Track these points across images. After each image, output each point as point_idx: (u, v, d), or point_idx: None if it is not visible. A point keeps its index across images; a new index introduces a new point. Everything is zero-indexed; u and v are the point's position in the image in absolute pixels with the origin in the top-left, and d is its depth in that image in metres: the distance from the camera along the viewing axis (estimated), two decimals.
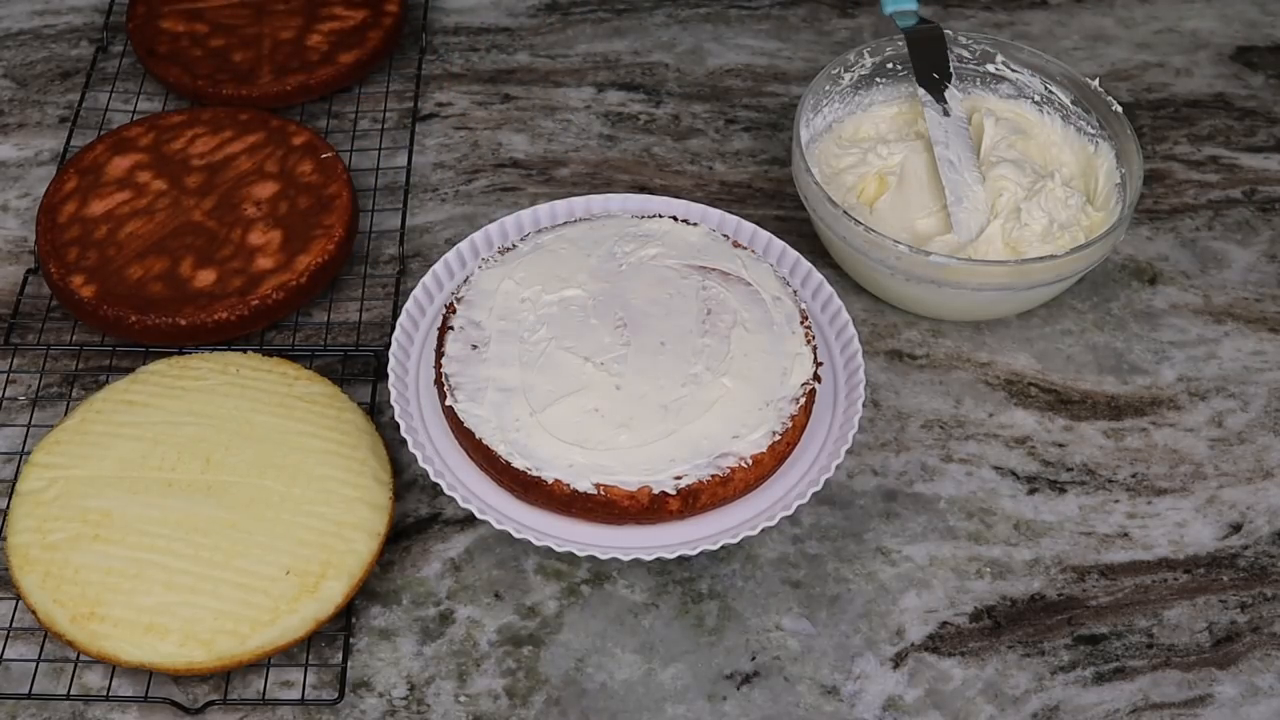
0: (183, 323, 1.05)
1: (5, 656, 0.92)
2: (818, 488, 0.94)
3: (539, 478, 0.92)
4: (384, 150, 1.23)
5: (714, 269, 1.03)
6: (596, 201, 1.09)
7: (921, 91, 1.18)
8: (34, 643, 0.93)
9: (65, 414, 1.03)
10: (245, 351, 1.05)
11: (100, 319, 1.06)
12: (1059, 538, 1.01)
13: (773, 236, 1.07)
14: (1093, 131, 1.18)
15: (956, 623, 0.96)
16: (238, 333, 1.07)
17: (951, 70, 1.19)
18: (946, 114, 1.16)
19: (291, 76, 1.24)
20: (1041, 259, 1.05)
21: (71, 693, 0.90)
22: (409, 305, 1.02)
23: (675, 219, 1.07)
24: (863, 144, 1.19)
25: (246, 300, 1.06)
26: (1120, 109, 1.15)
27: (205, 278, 1.07)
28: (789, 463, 0.96)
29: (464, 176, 1.23)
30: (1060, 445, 1.06)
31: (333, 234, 1.10)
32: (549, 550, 0.97)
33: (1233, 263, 1.19)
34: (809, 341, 0.99)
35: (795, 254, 1.06)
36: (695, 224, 1.06)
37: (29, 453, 0.99)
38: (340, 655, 0.93)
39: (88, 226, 1.10)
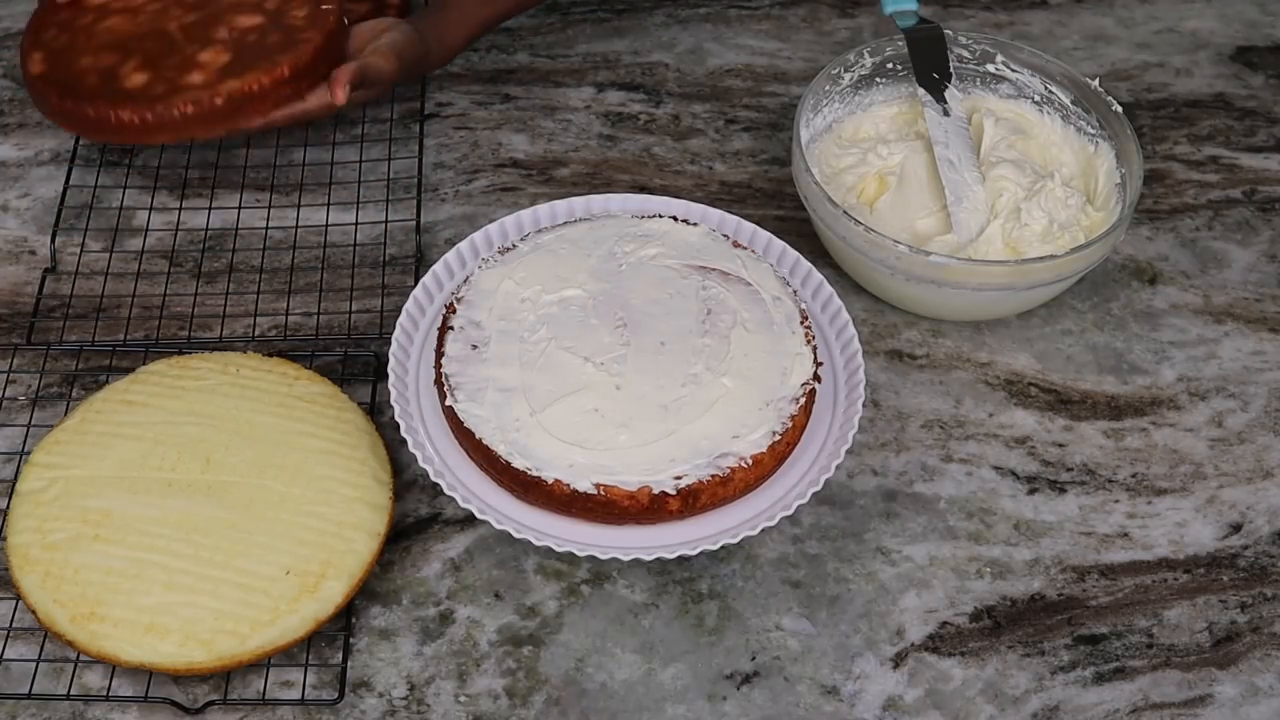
0: (90, 113, 1.06)
1: (5, 656, 0.92)
2: (818, 488, 0.94)
3: (539, 478, 0.92)
4: (393, 144, 1.23)
5: (714, 269, 1.03)
6: (596, 201, 1.09)
7: (921, 91, 1.18)
8: (34, 643, 0.93)
9: (65, 414, 1.03)
10: (245, 351, 1.05)
11: (35, 92, 1.10)
12: (1059, 538, 1.01)
13: (773, 236, 1.07)
14: (1093, 131, 1.18)
15: (956, 623, 0.96)
16: (140, 139, 1.08)
17: (951, 70, 1.19)
18: (946, 114, 1.16)
19: None
20: (1041, 259, 1.05)
21: (71, 693, 0.90)
22: (409, 305, 1.02)
23: (675, 219, 1.06)
24: (863, 144, 1.19)
25: (153, 106, 1.05)
26: (1120, 109, 1.15)
27: (137, 80, 1.07)
28: (789, 463, 0.96)
29: (464, 176, 1.23)
30: (1060, 445, 1.06)
31: (275, 70, 1.07)
32: (549, 550, 0.97)
33: (1233, 263, 1.19)
34: (809, 341, 0.99)
35: (795, 254, 1.06)
36: (695, 224, 1.06)
37: (29, 453, 0.99)
38: (340, 655, 0.93)
39: (78, 13, 1.12)
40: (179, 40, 1.10)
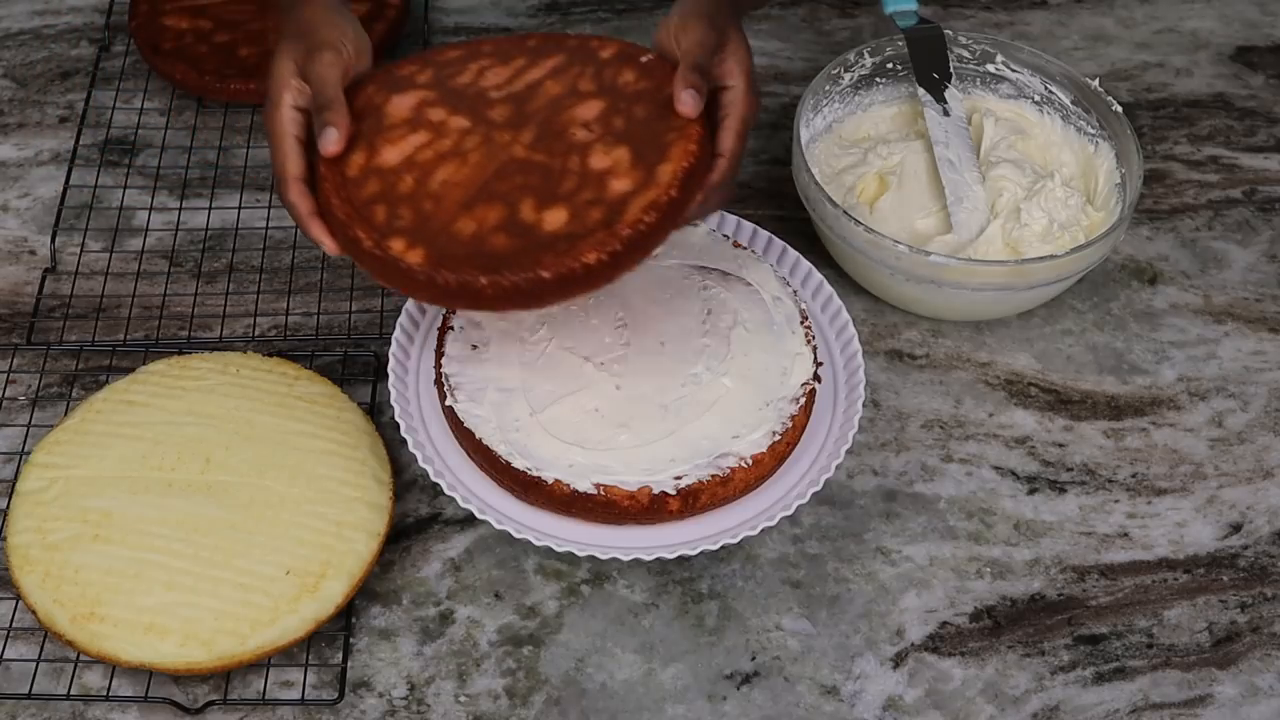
0: (546, 275, 0.85)
1: (5, 656, 0.92)
2: (818, 488, 0.94)
3: (539, 478, 0.92)
4: None
5: (714, 269, 1.03)
6: None
7: (921, 91, 1.17)
8: (34, 643, 0.93)
9: (65, 414, 1.03)
10: (245, 351, 1.05)
11: (436, 288, 0.87)
12: (1059, 538, 1.01)
13: (773, 236, 1.07)
14: (1093, 131, 1.18)
15: (956, 623, 0.96)
16: (610, 276, 0.87)
17: (951, 70, 1.19)
18: (946, 114, 1.16)
19: None
20: (1041, 259, 1.05)
21: (71, 693, 0.90)
22: (409, 305, 1.02)
23: None
24: (863, 144, 1.19)
25: (615, 232, 0.86)
26: (1120, 109, 1.15)
27: (555, 218, 0.87)
28: (789, 463, 0.96)
29: None
30: (1060, 445, 1.06)
31: (689, 133, 0.90)
32: (549, 550, 0.97)
33: (1233, 263, 1.19)
34: (809, 341, 0.99)
35: (795, 254, 1.06)
36: (695, 224, 1.06)
37: (29, 453, 0.99)
38: (340, 655, 0.93)
39: (388, 178, 0.91)
40: (547, 161, 0.91)
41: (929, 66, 1.19)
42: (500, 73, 0.96)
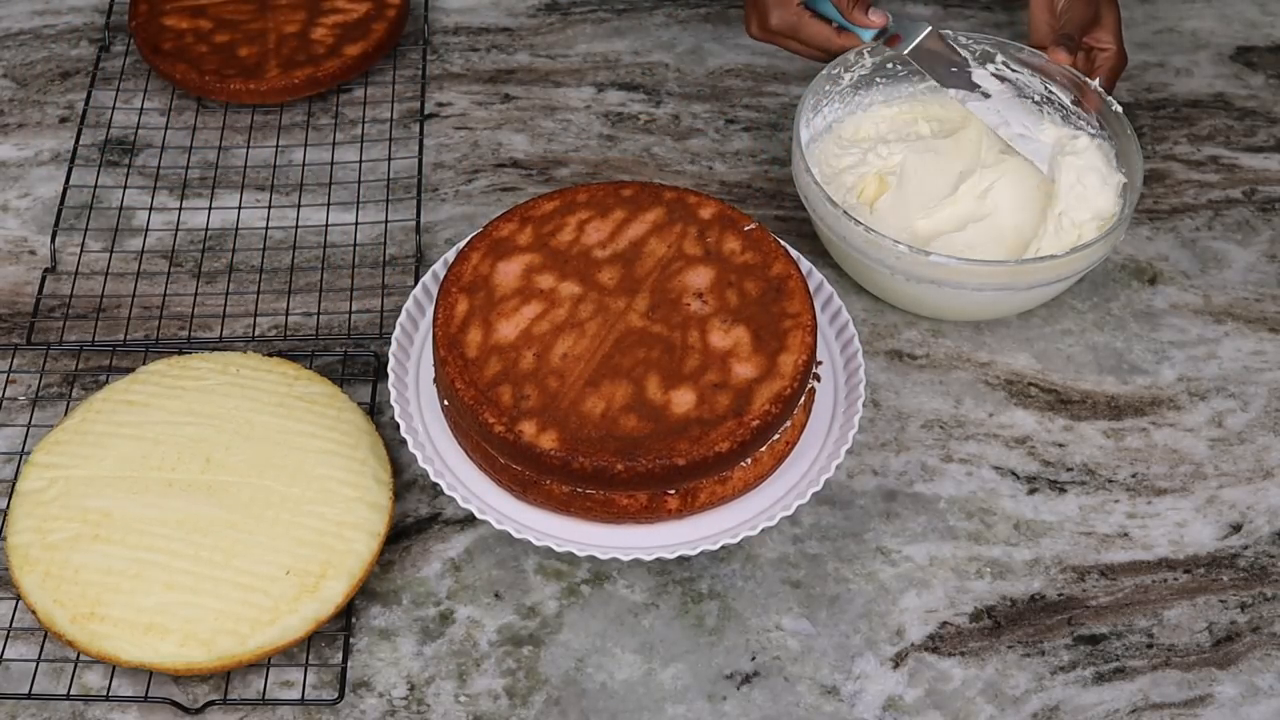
0: (681, 462, 0.88)
1: (5, 656, 0.92)
2: (818, 488, 0.94)
3: (538, 478, 0.92)
4: (393, 144, 1.23)
5: None
6: None
7: (954, 93, 1.17)
8: (34, 643, 0.93)
9: (65, 414, 1.03)
10: (245, 351, 1.05)
11: (571, 471, 0.89)
12: (1059, 538, 1.01)
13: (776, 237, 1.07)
14: (1093, 131, 1.18)
15: (956, 623, 0.96)
16: (735, 463, 0.91)
17: (964, 54, 1.18)
18: (986, 96, 1.16)
19: (299, 70, 1.24)
20: (1041, 259, 1.05)
21: (71, 693, 0.90)
22: (409, 305, 1.02)
23: None
24: (863, 144, 1.19)
25: (744, 422, 0.89)
26: (1120, 109, 1.15)
27: (683, 400, 0.90)
28: (789, 462, 0.96)
29: (464, 176, 1.23)
30: (1060, 445, 1.06)
31: (803, 321, 0.94)
32: (549, 550, 0.97)
33: (1233, 263, 1.19)
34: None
35: (795, 254, 1.06)
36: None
37: (29, 453, 0.99)
38: (340, 655, 0.93)
39: (508, 356, 0.92)
40: (666, 334, 0.93)
41: (945, 66, 1.17)
42: (600, 227, 0.98)
